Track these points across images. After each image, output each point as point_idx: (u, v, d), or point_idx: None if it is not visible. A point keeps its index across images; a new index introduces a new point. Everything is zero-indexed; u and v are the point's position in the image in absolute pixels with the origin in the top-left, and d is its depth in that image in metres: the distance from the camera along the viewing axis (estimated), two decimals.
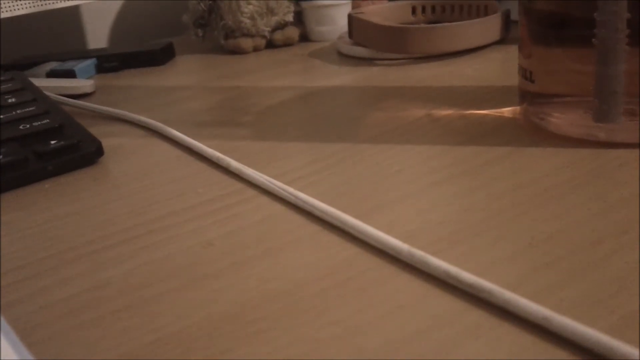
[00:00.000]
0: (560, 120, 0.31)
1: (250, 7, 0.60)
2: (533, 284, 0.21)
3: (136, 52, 0.60)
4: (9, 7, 0.56)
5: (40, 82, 0.50)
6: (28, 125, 0.37)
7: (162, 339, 0.20)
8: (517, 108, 0.36)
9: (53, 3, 0.59)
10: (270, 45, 0.63)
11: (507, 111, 0.36)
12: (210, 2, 0.62)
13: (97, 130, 0.42)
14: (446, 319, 0.20)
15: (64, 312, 0.22)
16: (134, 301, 0.23)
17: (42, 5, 0.58)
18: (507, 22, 0.51)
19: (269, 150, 0.35)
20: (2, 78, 0.45)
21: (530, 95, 0.33)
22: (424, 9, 0.58)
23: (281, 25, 0.62)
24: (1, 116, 0.38)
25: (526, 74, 0.33)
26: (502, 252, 0.23)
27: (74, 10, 0.72)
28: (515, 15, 0.53)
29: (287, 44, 0.62)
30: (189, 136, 0.38)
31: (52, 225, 0.29)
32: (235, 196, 0.30)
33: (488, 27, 0.50)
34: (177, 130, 0.39)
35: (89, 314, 0.22)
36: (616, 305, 0.20)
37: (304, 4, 0.62)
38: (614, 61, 0.28)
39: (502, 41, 0.51)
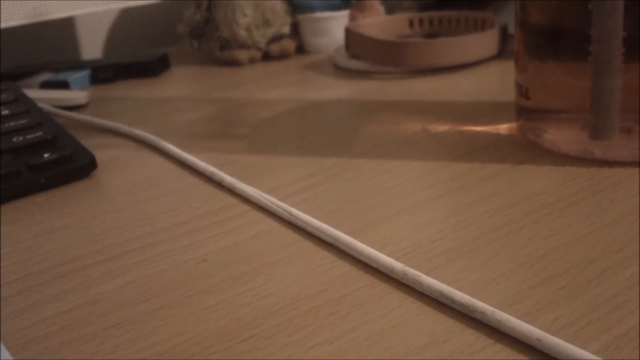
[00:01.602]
0: (556, 137, 0.31)
1: (247, 18, 0.60)
2: (527, 302, 0.21)
3: (131, 63, 0.60)
4: (5, 17, 0.56)
5: (34, 94, 0.50)
6: (21, 138, 0.36)
7: (155, 356, 0.20)
8: (514, 124, 0.36)
9: (48, 14, 0.59)
10: (266, 57, 0.63)
11: (503, 127, 0.36)
12: (206, 13, 0.62)
13: (90, 142, 0.41)
14: (439, 338, 0.20)
15: (56, 327, 0.22)
16: (127, 317, 0.22)
17: (37, 16, 0.58)
18: (505, 36, 0.52)
19: (264, 163, 0.35)
20: None
21: (526, 111, 0.33)
22: (421, 22, 0.58)
23: (277, 37, 0.62)
24: None
25: (522, 90, 0.33)
26: (496, 270, 0.23)
27: (69, 21, 0.72)
28: (512, 29, 0.53)
29: (283, 55, 0.62)
30: (183, 149, 0.37)
31: (44, 239, 0.29)
32: (229, 211, 0.30)
33: (485, 42, 0.50)
34: (172, 142, 0.39)
35: (82, 330, 0.22)
36: (610, 325, 0.19)
37: (300, 16, 0.62)
38: (609, 77, 0.28)
39: (499, 55, 0.51)
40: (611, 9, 0.27)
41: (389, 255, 0.24)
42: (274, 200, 0.29)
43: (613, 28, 0.27)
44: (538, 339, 0.19)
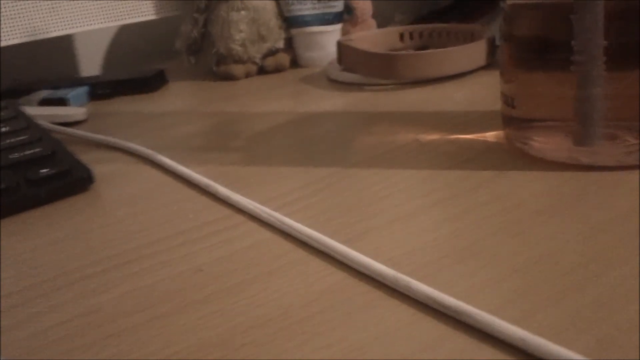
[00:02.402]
0: (542, 144, 0.32)
1: (242, 34, 0.60)
2: (516, 307, 0.21)
3: (129, 79, 0.60)
4: (5, 36, 0.57)
5: (33, 110, 0.50)
6: (21, 153, 0.37)
7: None
8: (501, 132, 0.36)
9: (47, 32, 0.60)
10: (262, 71, 0.63)
11: (491, 136, 0.37)
12: (203, 29, 0.62)
13: (88, 157, 0.42)
14: (431, 343, 0.20)
15: (54, 338, 0.23)
16: (124, 327, 0.23)
17: (36, 34, 0.59)
18: (493, 48, 0.52)
19: (259, 175, 0.35)
20: None
21: (512, 120, 0.34)
22: (411, 35, 0.59)
23: (272, 52, 0.63)
24: None
25: (507, 100, 0.33)
26: (487, 276, 0.23)
27: (67, 38, 0.73)
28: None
29: (278, 70, 0.63)
30: (179, 162, 0.38)
31: (42, 251, 0.29)
32: (224, 222, 0.30)
33: (474, 53, 0.50)
34: (168, 156, 0.40)
35: (79, 341, 0.22)
36: (594, 327, 0.20)
37: (294, 31, 0.63)
38: (592, 86, 0.29)
39: (488, 66, 0.52)
40: (592, 20, 0.28)
41: (382, 263, 0.24)
42: (269, 210, 0.30)
43: (594, 38, 0.28)
44: (529, 343, 0.19)
